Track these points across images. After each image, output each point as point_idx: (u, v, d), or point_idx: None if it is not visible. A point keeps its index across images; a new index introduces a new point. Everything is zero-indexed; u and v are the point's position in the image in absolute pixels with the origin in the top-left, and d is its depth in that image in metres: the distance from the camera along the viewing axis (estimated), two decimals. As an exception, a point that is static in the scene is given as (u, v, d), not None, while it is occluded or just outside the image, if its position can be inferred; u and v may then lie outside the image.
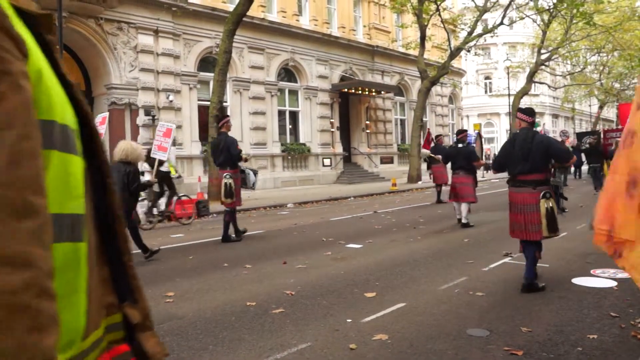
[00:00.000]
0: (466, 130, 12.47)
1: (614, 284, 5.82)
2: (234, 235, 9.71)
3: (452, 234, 10.00)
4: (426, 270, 6.80)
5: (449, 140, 31.89)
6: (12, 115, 0.65)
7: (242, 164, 9.95)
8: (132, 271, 0.97)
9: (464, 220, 10.85)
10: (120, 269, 0.95)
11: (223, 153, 9.51)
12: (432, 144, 17.17)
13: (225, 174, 9.50)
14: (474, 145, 20.21)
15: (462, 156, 11.09)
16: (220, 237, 9.61)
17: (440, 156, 14.40)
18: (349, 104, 29.50)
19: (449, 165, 12.00)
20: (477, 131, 29.78)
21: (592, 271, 6.41)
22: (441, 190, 15.98)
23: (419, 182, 25.65)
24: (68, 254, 0.77)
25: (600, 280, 5.98)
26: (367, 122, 29.91)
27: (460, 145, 11.40)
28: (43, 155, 0.70)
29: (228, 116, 10.43)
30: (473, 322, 4.56)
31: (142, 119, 19.39)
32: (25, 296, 0.63)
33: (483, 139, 39.17)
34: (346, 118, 29.36)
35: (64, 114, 0.79)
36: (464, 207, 10.89)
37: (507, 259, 7.35)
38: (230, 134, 9.79)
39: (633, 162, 1.83)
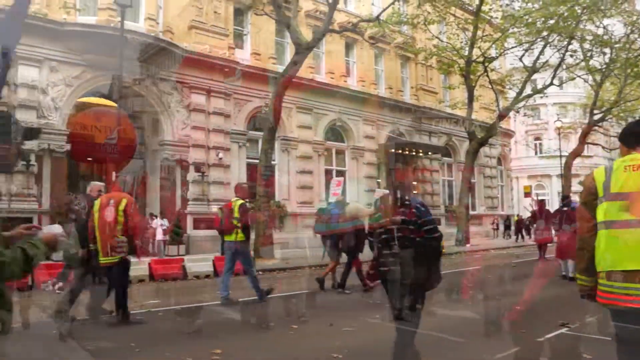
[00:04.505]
0: (569, 196, 15.24)
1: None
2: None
3: (503, 300, 9.64)
4: (476, 338, 6.51)
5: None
6: None
7: None
8: None
9: (570, 275, 11.36)
10: None
11: None
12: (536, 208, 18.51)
13: None
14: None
15: (567, 217, 12.20)
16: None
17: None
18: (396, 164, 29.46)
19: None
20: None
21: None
22: (546, 248, 16.88)
23: (467, 245, 25.03)
24: None
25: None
26: (414, 182, 29.73)
27: (565, 208, 12.67)
28: None
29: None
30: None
31: (192, 175, 19.83)
32: None
33: None
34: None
35: None
36: (570, 262, 11.52)
37: (563, 330, 6.97)
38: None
39: None
